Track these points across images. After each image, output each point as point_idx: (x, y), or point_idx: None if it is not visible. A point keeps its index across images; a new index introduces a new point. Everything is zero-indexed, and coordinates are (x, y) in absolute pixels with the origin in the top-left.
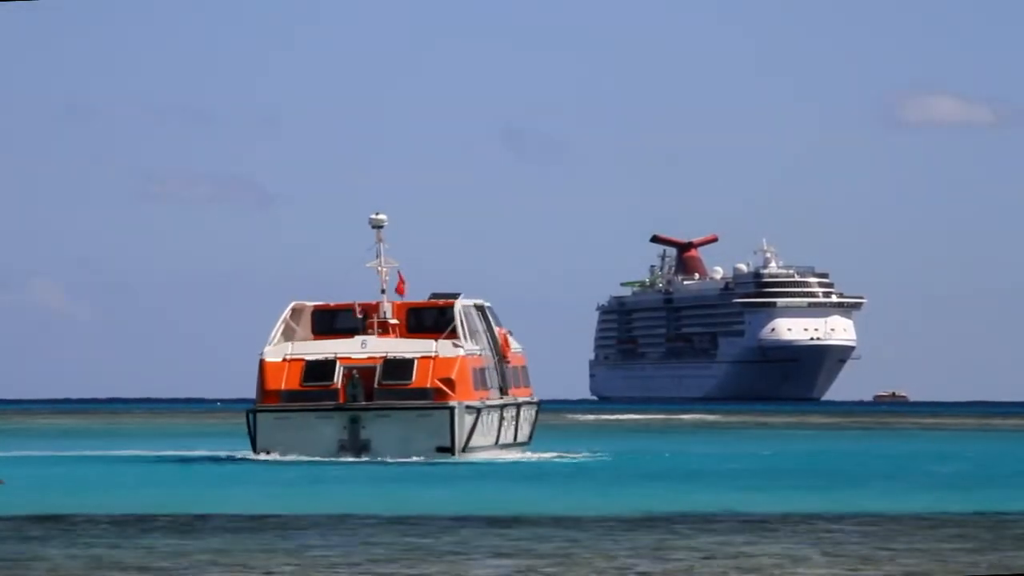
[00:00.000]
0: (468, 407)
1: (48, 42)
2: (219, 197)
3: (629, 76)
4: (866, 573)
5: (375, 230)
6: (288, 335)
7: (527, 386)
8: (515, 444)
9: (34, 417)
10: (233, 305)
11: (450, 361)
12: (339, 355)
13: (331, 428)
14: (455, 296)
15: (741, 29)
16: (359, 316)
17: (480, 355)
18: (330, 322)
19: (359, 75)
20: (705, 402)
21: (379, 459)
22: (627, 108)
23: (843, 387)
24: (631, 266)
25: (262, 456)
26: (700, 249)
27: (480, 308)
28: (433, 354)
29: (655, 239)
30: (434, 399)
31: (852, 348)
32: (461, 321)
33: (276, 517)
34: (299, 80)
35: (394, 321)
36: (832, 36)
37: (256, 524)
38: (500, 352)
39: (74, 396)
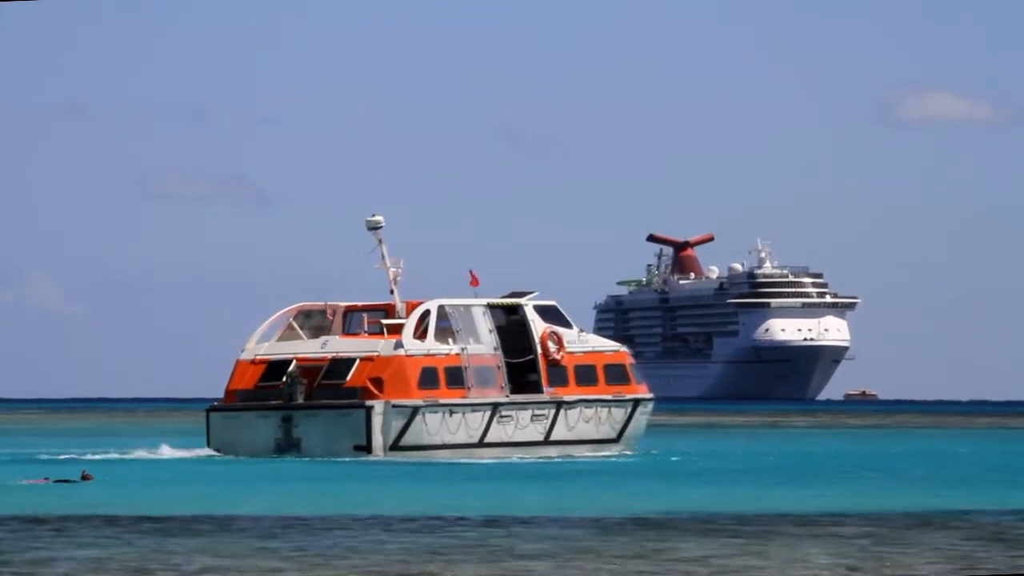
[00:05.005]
0: (398, 406)
1: (48, 42)
2: (217, 196)
3: (626, 74)
4: (867, 573)
5: (373, 231)
6: (289, 336)
7: (616, 384)
8: (548, 443)
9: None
10: (232, 304)
11: (387, 360)
12: (298, 355)
13: (268, 427)
14: (526, 294)
15: (738, 27)
16: (330, 317)
17: (454, 354)
18: (359, 322)
19: (356, 73)
20: (699, 402)
21: (308, 457)
22: (624, 107)
23: (839, 387)
24: (628, 265)
25: (205, 454)
26: (696, 248)
27: (493, 307)
28: (375, 354)
29: (651, 238)
30: (361, 398)
31: (846, 348)
32: (422, 320)
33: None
34: (297, 79)
35: (405, 321)
36: (829, 34)
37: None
38: (539, 351)
39: (70, 396)
